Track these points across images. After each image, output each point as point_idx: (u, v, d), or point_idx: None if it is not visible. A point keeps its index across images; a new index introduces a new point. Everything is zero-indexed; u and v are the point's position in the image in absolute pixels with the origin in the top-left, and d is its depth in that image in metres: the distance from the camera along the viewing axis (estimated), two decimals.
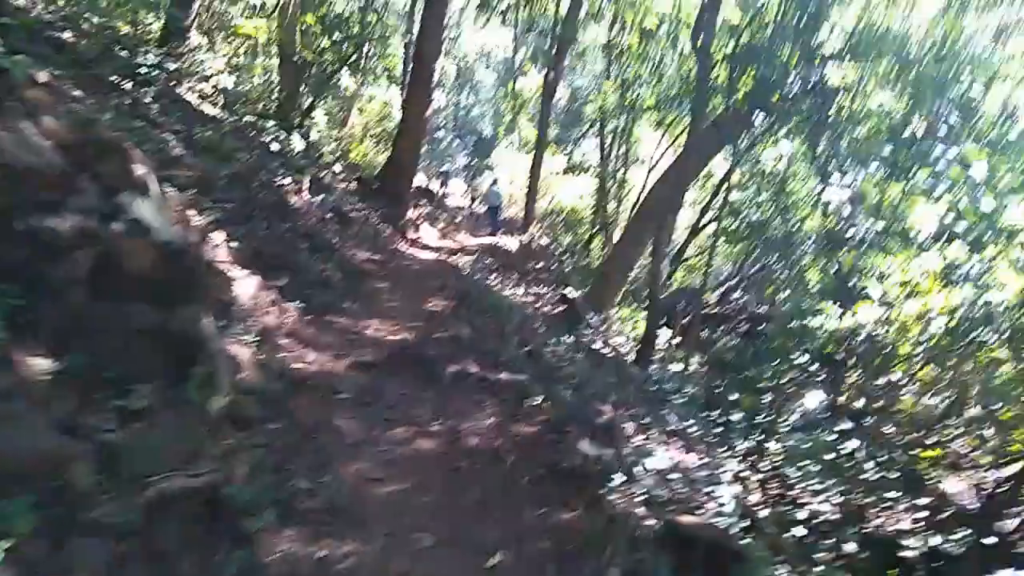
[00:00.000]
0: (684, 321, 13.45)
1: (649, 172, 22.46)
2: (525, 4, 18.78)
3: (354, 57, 18.94)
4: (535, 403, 5.49)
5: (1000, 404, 6.28)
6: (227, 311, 4.70)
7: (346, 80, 26.01)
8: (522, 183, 29.17)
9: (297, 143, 13.59)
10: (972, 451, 7.27)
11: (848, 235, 9.33)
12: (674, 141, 20.76)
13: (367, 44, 24.42)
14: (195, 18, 11.18)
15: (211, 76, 11.61)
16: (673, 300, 15.90)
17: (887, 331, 7.12)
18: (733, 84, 10.48)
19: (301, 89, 17.39)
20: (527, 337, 8.43)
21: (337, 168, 18.05)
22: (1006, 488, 5.73)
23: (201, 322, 3.73)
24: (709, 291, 15.29)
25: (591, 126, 24.41)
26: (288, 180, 9.71)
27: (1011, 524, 5.83)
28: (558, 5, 18.80)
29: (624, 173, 22.42)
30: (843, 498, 6.83)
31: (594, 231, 24.53)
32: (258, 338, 4.74)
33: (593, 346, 11.69)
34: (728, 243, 14.98)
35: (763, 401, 10.61)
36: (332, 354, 5.35)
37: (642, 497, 4.39)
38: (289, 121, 15.34)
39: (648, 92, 14.50)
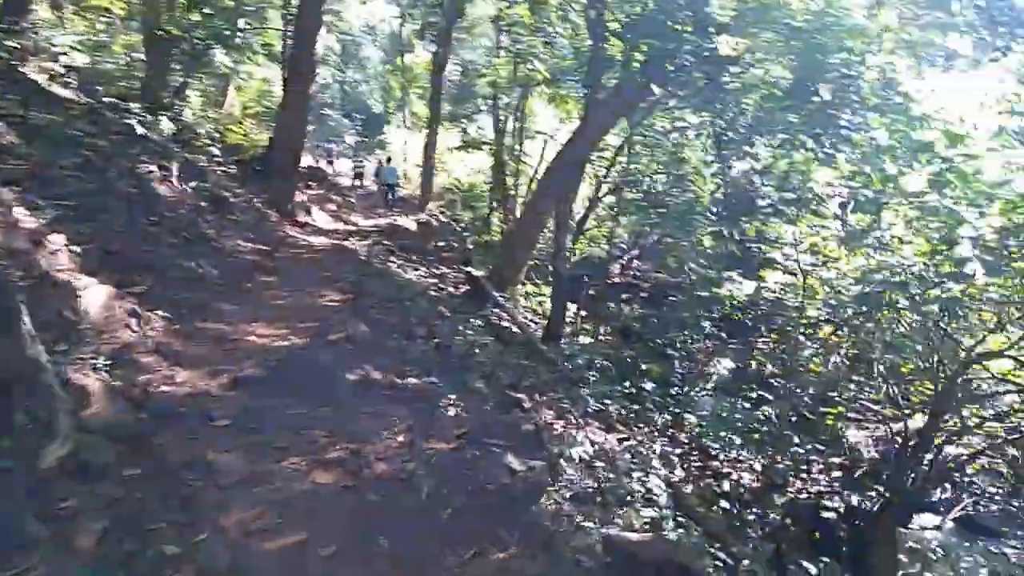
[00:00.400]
0: (589, 292, 13.32)
1: (545, 146, 22.31)
2: None
3: (228, 33, 17.43)
4: (449, 411, 5.00)
5: (900, 358, 6.45)
6: (69, 330, 3.91)
7: (221, 57, 24.32)
8: (416, 160, 28.44)
9: (166, 126, 12.27)
10: (877, 405, 7.52)
11: (752, 204, 9.42)
12: (569, 115, 20.64)
13: (242, 19, 22.87)
14: None
15: (61, 54, 10.16)
16: (577, 273, 15.85)
17: (795, 296, 7.17)
18: (628, 56, 10.27)
19: (170, 67, 15.80)
20: (433, 327, 7.93)
21: (214, 151, 16.67)
22: (914, 440, 5.88)
23: (26, 352, 3.01)
24: (611, 262, 15.25)
25: (484, 101, 23.84)
26: (153, 167, 8.63)
27: (921, 474, 6.00)
28: None
29: (521, 148, 22.07)
30: (763, 465, 6.87)
31: (493, 207, 24.16)
32: (111, 360, 3.97)
33: (502, 326, 11.35)
34: (626, 214, 14.98)
35: (675, 370, 10.67)
36: (207, 370, 4.58)
37: (577, 508, 4.02)
38: (157, 103, 13.87)
39: (541, 66, 14.07)
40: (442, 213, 19.91)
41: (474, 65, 24.58)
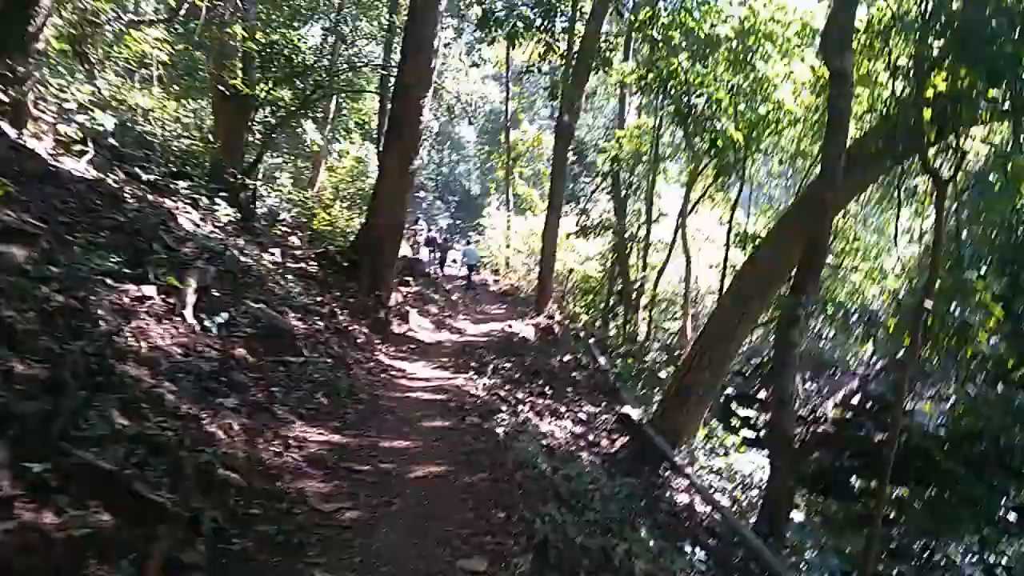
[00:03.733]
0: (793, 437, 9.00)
1: (679, 230, 18.53)
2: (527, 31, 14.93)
3: (315, 100, 14.88)
4: None
5: None
6: None
7: (312, 133, 22.20)
8: (524, 249, 25.17)
9: (225, 210, 9.31)
10: None
11: None
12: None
13: (334, 94, 20.68)
14: (45, 19, 6.86)
15: (77, 109, 7.34)
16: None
17: None
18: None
19: (245, 137, 13.24)
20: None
21: (294, 239, 13.75)
22: None
23: None
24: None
25: (604, 180, 20.44)
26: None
27: None
28: (571, 31, 14.99)
29: (648, 233, 18.36)
30: None
31: (611, 305, 20.28)
32: None
33: (693, 510, 7.28)
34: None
35: None
36: None
37: None
38: (223, 180, 11.09)
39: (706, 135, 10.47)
40: (565, 316, 16.19)
41: (590, 141, 21.34)
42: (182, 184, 8.78)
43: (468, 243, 20.99)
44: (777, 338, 7.25)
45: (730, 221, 17.13)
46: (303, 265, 10.35)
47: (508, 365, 9.88)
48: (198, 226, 7.40)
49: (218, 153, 12.06)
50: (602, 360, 12.61)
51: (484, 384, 7.88)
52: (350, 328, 8.48)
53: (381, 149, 11.79)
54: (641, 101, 21.37)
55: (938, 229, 6.80)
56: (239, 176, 11.73)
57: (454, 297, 16.53)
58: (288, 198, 18.67)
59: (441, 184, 39.87)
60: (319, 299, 8.61)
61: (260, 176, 18.75)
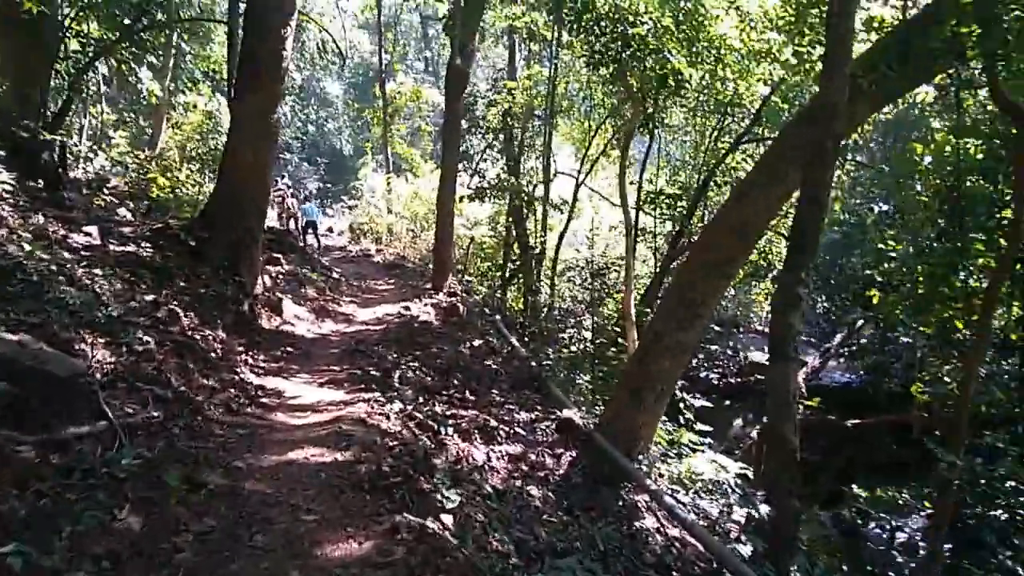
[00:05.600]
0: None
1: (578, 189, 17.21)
2: None
3: (142, 33, 11.65)
4: None
5: None
6: None
7: (149, 83, 18.55)
8: (407, 214, 22.80)
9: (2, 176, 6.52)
10: None
11: None
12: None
13: (168, 28, 17.05)
14: None
15: None
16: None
17: None
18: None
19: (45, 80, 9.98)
20: None
21: (124, 213, 10.85)
22: None
23: None
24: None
25: (496, 136, 18.51)
26: None
27: None
28: None
29: (546, 193, 16.71)
30: None
31: (506, 274, 18.62)
32: None
33: (671, 551, 5.78)
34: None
35: None
36: None
37: None
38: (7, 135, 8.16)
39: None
40: (463, 292, 14.27)
41: (478, 93, 19.23)
42: None
43: (306, 199, 18.36)
44: (772, 324, 5.77)
45: (640, 179, 15.91)
46: (132, 248, 7.71)
47: (415, 365, 7.88)
48: None
49: (3, 99, 8.96)
50: (514, 341, 10.91)
51: (396, 411, 5.81)
52: (199, 336, 6.11)
53: (233, 95, 9.13)
54: (530, 49, 19.57)
55: None
56: (36, 131, 8.75)
57: (335, 274, 14.07)
58: (121, 161, 15.19)
59: (308, 144, 36.08)
60: (152, 298, 6.14)
61: (84, 133, 15.22)
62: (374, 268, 17.94)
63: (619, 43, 7.70)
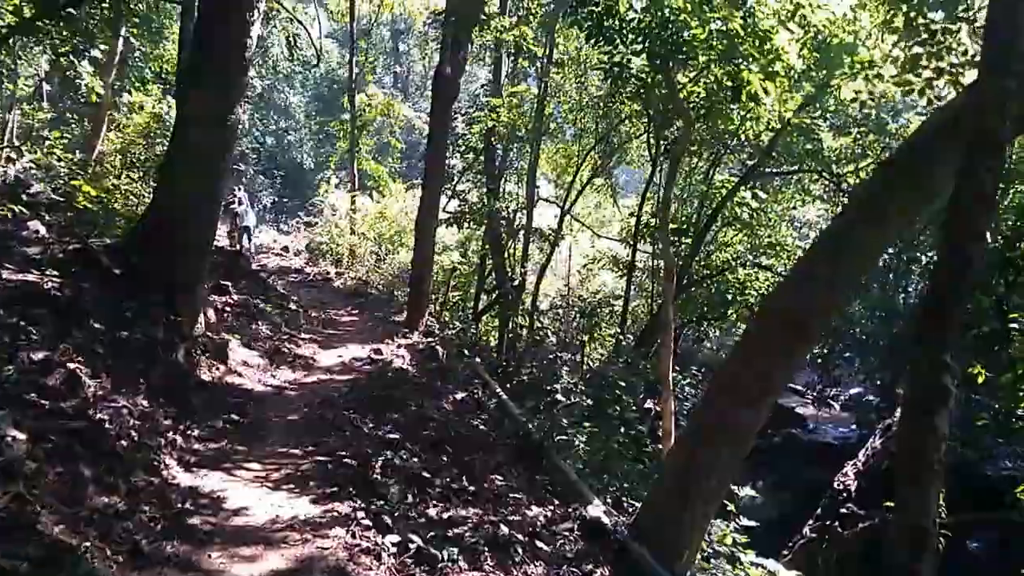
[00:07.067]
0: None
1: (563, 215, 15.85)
2: None
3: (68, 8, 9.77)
4: None
5: None
6: None
7: (89, 79, 16.47)
8: (372, 236, 20.92)
9: None
10: None
11: None
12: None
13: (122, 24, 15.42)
14: None
15: None
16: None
17: None
18: None
19: None
20: None
21: (38, 228, 8.88)
22: None
23: None
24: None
25: (477, 156, 16.95)
26: None
27: None
28: None
29: (529, 220, 15.22)
30: None
31: (479, 309, 16.88)
32: None
33: None
34: None
35: None
36: None
37: None
38: None
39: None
40: (442, 326, 12.58)
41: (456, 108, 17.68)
42: None
43: (237, 202, 16.76)
44: (901, 431, 4.28)
45: (639, 208, 14.61)
46: (34, 277, 5.84)
47: (397, 438, 6.17)
48: None
49: None
50: (501, 392, 9.29)
51: (388, 545, 4.07)
52: (108, 413, 4.31)
53: (182, 87, 7.36)
54: (516, 65, 18.23)
55: None
56: None
57: (292, 305, 12.16)
58: (49, 164, 13.07)
59: (265, 157, 33.85)
60: (43, 356, 4.33)
61: (11, 130, 13.17)
62: (334, 295, 16.05)
63: (664, 49, 6.28)
